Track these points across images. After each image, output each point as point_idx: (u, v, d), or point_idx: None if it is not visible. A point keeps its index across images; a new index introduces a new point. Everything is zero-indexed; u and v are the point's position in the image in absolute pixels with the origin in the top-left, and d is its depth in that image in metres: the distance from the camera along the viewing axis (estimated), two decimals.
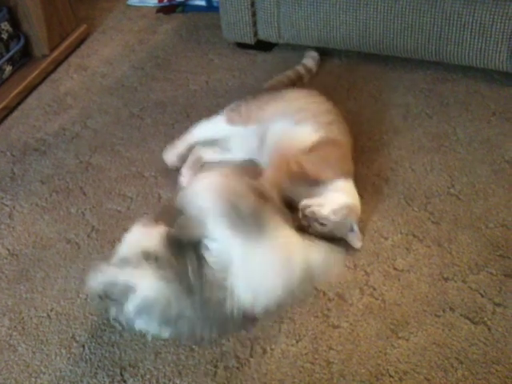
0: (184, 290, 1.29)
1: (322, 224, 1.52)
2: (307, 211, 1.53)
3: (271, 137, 1.73)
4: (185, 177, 1.81)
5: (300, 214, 1.54)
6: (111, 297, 1.32)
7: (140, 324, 1.34)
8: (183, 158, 1.84)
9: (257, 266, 1.30)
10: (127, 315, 1.32)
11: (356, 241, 1.56)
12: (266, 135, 1.74)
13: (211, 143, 1.88)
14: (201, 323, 1.32)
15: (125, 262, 1.34)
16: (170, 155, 1.84)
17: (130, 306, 1.30)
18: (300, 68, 2.17)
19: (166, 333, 1.35)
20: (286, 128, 1.70)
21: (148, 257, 1.33)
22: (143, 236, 1.40)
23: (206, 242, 1.32)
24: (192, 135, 1.85)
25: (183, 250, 1.33)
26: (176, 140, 1.86)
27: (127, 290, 1.29)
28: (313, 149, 1.63)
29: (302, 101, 1.76)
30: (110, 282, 1.30)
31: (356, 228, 1.55)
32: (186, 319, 1.31)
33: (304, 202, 1.55)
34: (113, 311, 1.35)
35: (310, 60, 2.23)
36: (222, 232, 1.28)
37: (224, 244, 1.30)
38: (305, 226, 1.55)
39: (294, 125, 1.69)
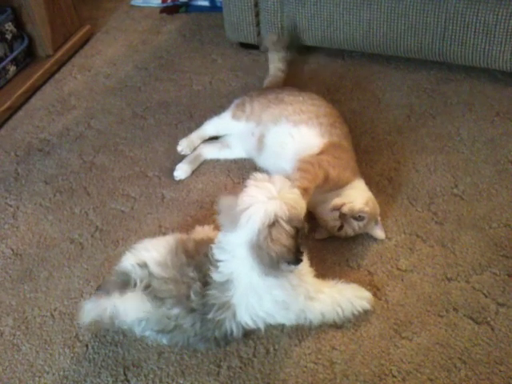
0: (184, 308, 1.29)
1: (359, 218, 1.52)
2: (344, 209, 1.52)
3: (271, 139, 1.73)
4: (179, 170, 1.85)
5: (335, 216, 1.53)
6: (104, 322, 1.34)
7: (139, 331, 1.36)
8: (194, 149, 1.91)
9: (265, 295, 1.30)
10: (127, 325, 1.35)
11: (381, 232, 1.59)
12: (265, 137, 1.75)
13: (212, 141, 1.93)
14: (197, 338, 1.32)
15: (122, 276, 1.35)
16: (184, 145, 1.89)
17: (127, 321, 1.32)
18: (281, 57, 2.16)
19: (163, 340, 1.36)
20: (287, 131, 1.70)
21: (143, 270, 1.33)
22: (148, 247, 1.40)
23: (215, 262, 1.30)
24: (204, 129, 1.92)
25: (188, 269, 1.32)
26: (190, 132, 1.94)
27: (116, 316, 1.30)
28: (322, 152, 1.63)
29: (303, 103, 1.76)
30: (99, 313, 1.31)
31: (379, 220, 1.59)
32: (182, 331, 1.31)
33: (335, 203, 1.54)
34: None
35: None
36: (243, 257, 1.27)
37: (237, 266, 1.28)
38: (334, 227, 1.55)
39: (295, 127, 1.69)
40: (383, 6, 2.05)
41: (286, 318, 1.36)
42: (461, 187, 1.73)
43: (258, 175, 1.29)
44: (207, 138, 1.93)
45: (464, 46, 2.01)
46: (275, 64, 2.13)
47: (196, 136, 1.91)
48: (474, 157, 1.82)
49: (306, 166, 1.56)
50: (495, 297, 1.43)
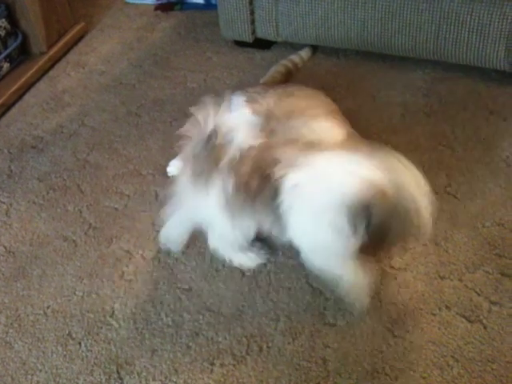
0: None
1: None
2: None
3: (282, 135, 1.72)
4: (173, 167, 1.83)
5: None
6: None
7: None
8: None
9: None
10: None
11: None
12: (274, 132, 1.73)
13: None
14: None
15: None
16: None
17: None
18: (287, 62, 2.17)
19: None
20: (301, 126, 1.68)
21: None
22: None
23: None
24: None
25: None
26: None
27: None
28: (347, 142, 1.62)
29: (313, 98, 1.75)
30: None
31: None
32: None
33: None
34: None
35: (297, 56, 2.22)
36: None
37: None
38: None
39: (307, 123, 1.68)
40: (378, 5, 2.05)
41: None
42: (454, 186, 1.73)
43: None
44: None
45: (458, 44, 2.02)
46: (277, 68, 2.13)
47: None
48: (468, 155, 1.83)
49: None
50: (488, 295, 1.43)
